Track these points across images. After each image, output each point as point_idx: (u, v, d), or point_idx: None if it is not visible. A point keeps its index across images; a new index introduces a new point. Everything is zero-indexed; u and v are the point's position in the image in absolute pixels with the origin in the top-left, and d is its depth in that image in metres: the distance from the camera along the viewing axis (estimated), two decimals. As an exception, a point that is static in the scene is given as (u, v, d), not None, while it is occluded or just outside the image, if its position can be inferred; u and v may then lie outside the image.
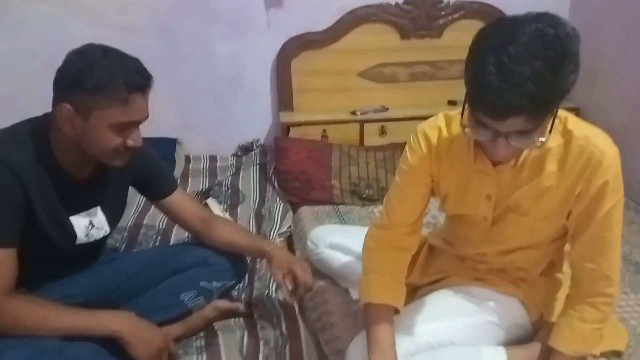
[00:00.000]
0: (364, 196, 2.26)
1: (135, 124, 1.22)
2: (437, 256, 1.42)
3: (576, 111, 2.63)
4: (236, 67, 2.56)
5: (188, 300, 1.41)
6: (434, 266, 1.41)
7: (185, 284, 1.42)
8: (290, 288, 1.40)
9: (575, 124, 1.11)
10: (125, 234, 1.94)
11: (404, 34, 2.59)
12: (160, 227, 2.00)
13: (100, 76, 1.13)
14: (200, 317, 1.43)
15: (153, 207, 1.99)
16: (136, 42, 2.41)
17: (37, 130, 1.22)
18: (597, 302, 1.14)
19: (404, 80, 2.66)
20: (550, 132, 1.02)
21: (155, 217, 2.03)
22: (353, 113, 2.54)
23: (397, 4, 2.54)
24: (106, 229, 1.38)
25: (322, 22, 2.52)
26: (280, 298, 1.43)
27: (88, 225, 1.33)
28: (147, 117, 1.24)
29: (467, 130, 1.03)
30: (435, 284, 1.35)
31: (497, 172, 1.15)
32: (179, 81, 2.53)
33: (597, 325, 1.15)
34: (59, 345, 1.15)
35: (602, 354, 1.28)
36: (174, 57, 2.50)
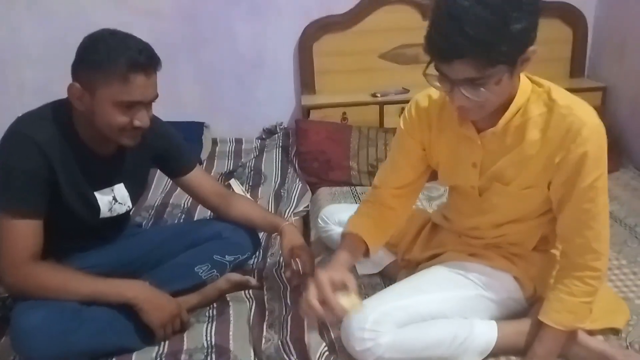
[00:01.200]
0: (382, 177, 2.30)
1: (140, 104, 1.27)
2: (437, 233, 1.46)
3: (603, 90, 2.58)
4: (258, 49, 2.63)
5: (202, 272, 1.48)
6: (434, 242, 1.45)
7: (199, 257, 1.50)
8: (295, 270, 1.45)
9: (559, 94, 1.14)
10: (152, 212, 2.05)
11: (426, 14, 2.58)
12: (185, 207, 2.10)
13: (102, 53, 1.21)
14: (214, 288, 1.52)
15: (178, 188, 2.12)
16: (160, 27, 2.53)
17: (61, 110, 1.32)
18: (585, 276, 1.16)
19: (426, 62, 2.65)
20: (497, 84, 1.05)
21: (181, 197, 2.13)
22: (374, 95, 2.57)
23: (418, -16, 2.55)
24: (129, 204, 1.48)
25: (343, 3, 2.54)
26: (286, 276, 1.51)
27: (112, 200, 1.42)
28: (153, 98, 1.29)
29: (427, 76, 1.10)
30: (432, 260, 1.39)
31: (481, 138, 1.19)
32: (203, 65, 2.62)
33: (586, 299, 1.17)
34: (77, 307, 1.27)
35: (600, 331, 1.30)
36: (197, 41, 2.58)
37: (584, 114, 1.11)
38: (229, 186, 2.28)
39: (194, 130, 2.56)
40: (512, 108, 1.14)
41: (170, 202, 2.14)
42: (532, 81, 1.17)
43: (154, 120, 1.50)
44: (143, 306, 1.30)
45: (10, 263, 1.26)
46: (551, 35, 2.63)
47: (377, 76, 2.65)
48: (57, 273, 1.29)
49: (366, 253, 1.32)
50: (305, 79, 2.63)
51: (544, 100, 1.14)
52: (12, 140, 1.28)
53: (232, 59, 2.63)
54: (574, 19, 2.65)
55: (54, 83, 2.51)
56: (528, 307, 1.31)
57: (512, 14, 0.98)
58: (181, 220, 2.01)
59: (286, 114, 2.75)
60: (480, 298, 1.28)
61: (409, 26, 2.59)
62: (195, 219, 2.01)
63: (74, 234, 1.42)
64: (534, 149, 1.15)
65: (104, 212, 1.42)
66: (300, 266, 1.46)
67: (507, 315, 1.30)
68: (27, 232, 1.27)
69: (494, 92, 1.06)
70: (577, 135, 1.10)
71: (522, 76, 1.15)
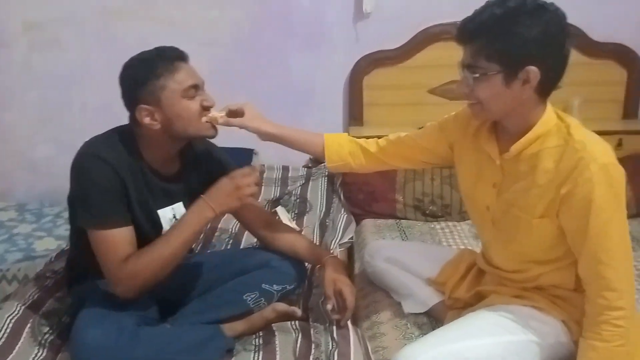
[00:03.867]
0: (427, 212, 2.31)
1: (198, 88, 1.38)
2: (484, 274, 1.48)
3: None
4: (310, 80, 2.69)
5: (250, 300, 1.52)
6: (480, 282, 1.47)
7: (248, 285, 1.53)
8: (336, 306, 1.47)
9: (578, 130, 1.18)
10: (202, 237, 2.10)
11: (477, 52, 2.60)
12: (233, 232, 2.15)
13: (143, 68, 1.35)
14: (261, 317, 1.54)
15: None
16: (219, 56, 2.64)
17: (125, 134, 1.42)
18: (611, 318, 1.15)
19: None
20: (487, 82, 1.15)
21: (229, 222, 2.19)
22: (421, 129, 2.57)
23: (471, 21, 2.56)
24: None
25: (395, 39, 2.59)
26: (327, 309, 1.50)
27: (172, 217, 1.49)
28: (203, 82, 1.41)
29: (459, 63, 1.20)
30: (479, 303, 1.39)
31: (501, 159, 1.26)
32: (256, 93, 2.66)
33: (619, 342, 1.16)
34: (135, 327, 1.32)
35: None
36: (253, 70, 2.67)
37: (596, 151, 1.14)
38: (276, 213, 2.33)
39: (243, 156, 2.62)
40: (529, 135, 1.20)
41: (219, 226, 2.19)
42: (558, 116, 1.22)
43: (210, 145, 1.59)
44: (219, 208, 1.37)
45: (112, 272, 1.33)
46: (605, 77, 2.61)
47: (426, 110, 2.64)
48: (147, 255, 1.34)
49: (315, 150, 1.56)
50: (354, 111, 2.68)
51: (563, 134, 1.18)
52: (85, 161, 1.36)
53: (285, 89, 2.70)
54: (629, 61, 2.61)
55: (114, 104, 2.65)
56: (576, 352, 1.27)
57: (522, 19, 1.09)
58: (229, 245, 2.06)
59: (333, 143, 2.79)
60: (529, 343, 1.26)
61: (460, 63, 2.61)
62: (242, 244, 2.05)
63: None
64: (546, 178, 1.19)
65: (165, 228, 1.48)
66: (341, 300, 1.47)
67: (556, 360, 1.28)
68: (119, 239, 1.34)
69: (485, 91, 1.16)
70: (585, 170, 1.13)
71: (549, 109, 1.22)
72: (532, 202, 1.22)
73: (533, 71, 1.12)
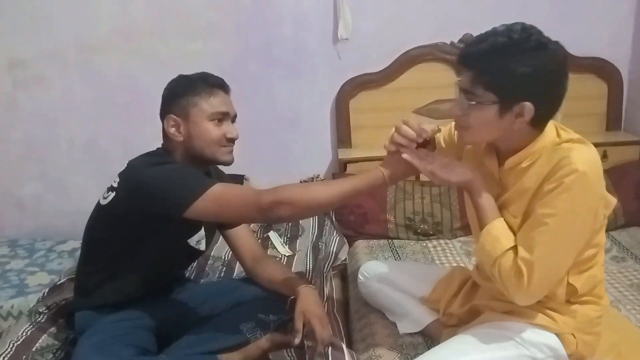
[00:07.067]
0: (419, 231, 2.32)
1: (227, 117, 1.47)
2: (477, 289, 1.48)
3: (638, 143, 2.57)
4: (295, 106, 2.72)
5: (246, 330, 1.51)
6: (474, 297, 1.47)
7: (244, 316, 1.54)
8: (302, 339, 1.42)
9: (569, 145, 1.19)
10: (194, 264, 2.10)
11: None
12: (225, 259, 2.15)
13: (186, 84, 1.46)
14: (257, 347, 1.53)
15: (220, 239, 2.17)
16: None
17: (166, 151, 1.48)
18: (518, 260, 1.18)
19: (461, 116, 2.71)
20: (481, 110, 1.15)
21: (222, 249, 2.19)
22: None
23: (452, 42, 2.59)
24: (203, 245, 1.57)
25: (378, 62, 2.63)
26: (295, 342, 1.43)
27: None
28: (235, 115, 1.51)
29: (456, 83, 1.21)
30: (472, 322, 1.39)
31: (500, 172, 1.28)
32: (243, 121, 2.69)
33: (504, 248, 1.21)
34: (134, 358, 1.32)
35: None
36: (237, 100, 2.66)
37: (578, 161, 1.14)
38: (268, 238, 2.34)
39: (233, 182, 2.64)
40: (523, 152, 1.22)
41: (212, 254, 2.19)
42: (558, 134, 1.22)
43: (223, 175, 1.65)
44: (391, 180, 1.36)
45: (257, 204, 1.28)
46: (586, 91, 2.66)
47: (412, 130, 2.69)
48: (301, 189, 1.32)
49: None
50: (342, 134, 2.71)
51: (555, 143, 1.20)
52: (148, 166, 1.36)
53: (271, 115, 2.72)
54: (609, 74, 2.67)
55: (101, 138, 2.69)
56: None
57: (521, 56, 1.10)
58: (222, 273, 2.06)
59: (323, 167, 2.81)
60: (522, 357, 1.27)
61: (443, 83, 2.61)
62: (234, 272, 2.06)
63: (165, 254, 1.51)
64: (532, 183, 1.20)
65: (192, 240, 1.53)
66: (315, 335, 1.40)
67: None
68: (230, 185, 1.40)
69: (477, 118, 1.17)
70: (566, 167, 1.14)
71: (549, 129, 1.22)
72: (521, 205, 1.23)
73: (527, 107, 1.13)
